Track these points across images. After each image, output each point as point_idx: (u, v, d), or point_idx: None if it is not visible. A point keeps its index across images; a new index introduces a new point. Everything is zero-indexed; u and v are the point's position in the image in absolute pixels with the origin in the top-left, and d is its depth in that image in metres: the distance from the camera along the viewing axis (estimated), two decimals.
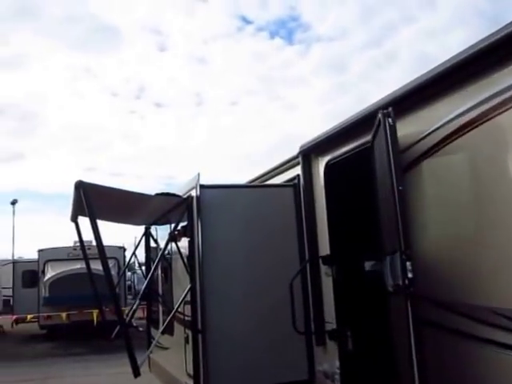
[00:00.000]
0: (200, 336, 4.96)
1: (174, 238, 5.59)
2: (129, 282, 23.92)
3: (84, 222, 4.96)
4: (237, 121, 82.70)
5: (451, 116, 3.29)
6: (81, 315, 16.05)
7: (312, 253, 5.12)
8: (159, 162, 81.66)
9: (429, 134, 3.47)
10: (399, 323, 3.38)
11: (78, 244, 5.65)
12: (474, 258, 3.16)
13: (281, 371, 5.15)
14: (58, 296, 16.70)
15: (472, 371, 3.13)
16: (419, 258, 3.33)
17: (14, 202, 42.42)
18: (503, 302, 2.90)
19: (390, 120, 3.36)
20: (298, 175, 5.47)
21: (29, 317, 17.33)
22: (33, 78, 68.67)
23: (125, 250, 18.75)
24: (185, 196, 5.42)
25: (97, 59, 72.52)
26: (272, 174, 6.27)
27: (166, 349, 6.81)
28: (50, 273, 17.37)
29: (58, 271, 17.20)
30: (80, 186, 4.48)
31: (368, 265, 4.89)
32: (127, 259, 17.69)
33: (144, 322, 8.42)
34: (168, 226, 6.43)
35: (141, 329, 9.59)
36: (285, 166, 5.96)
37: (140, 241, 7.87)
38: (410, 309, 3.09)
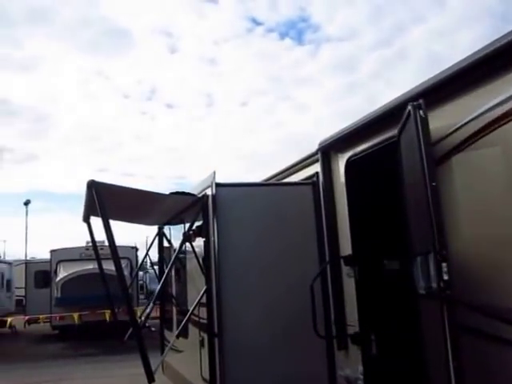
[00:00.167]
0: (216, 340, 4.79)
1: (188, 238, 5.42)
2: (141, 282, 23.91)
3: (96, 222, 4.86)
4: (247, 121, 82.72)
5: (487, 107, 3.07)
6: (93, 316, 16.01)
7: (333, 253, 4.91)
8: (170, 162, 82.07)
9: (462, 126, 3.25)
10: (433, 328, 3.17)
11: (90, 244, 5.54)
12: None
13: (300, 376, 4.95)
14: (70, 296, 16.66)
15: None
16: (453, 258, 3.12)
17: (26, 203, 42.83)
18: None
19: (421, 112, 3.15)
20: (317, 173, 5.27)
21: (41, 317, 17.27)
22: (46, 81, 69.43)
23: (137, 249, 18.74)
24: (200, 195, 5.26)
25: (109, 61, 73.24)
26: (289, 172, 6.06)
27: (180, 351, 6.65)
28: (63, 273, 17.33)
29: (71, 271, 17.15)
30: (92, 186, 4.36)
31: (392, 265, 4.70)
32: (139, 259, 17.86)
33: (156, 321, 8.28)
34: (182, 225, 6.28)
35: (153, 329, 9.47)
36: (302, 164, 5.74)
37: (153, 241, 7.75)
38: (446, 313, 2.88)
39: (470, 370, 2.96)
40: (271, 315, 4.98)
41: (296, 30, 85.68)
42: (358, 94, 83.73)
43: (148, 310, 5.79)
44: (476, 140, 3.17)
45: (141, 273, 24.74)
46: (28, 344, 17.36)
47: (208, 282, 4.98)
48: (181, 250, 5.69)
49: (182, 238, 5.52)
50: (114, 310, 6.24)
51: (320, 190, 5.17)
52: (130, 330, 5.42)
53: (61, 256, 17.96)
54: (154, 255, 8.71)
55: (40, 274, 19.70)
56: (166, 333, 7.64)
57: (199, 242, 5.47)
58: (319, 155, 5.15)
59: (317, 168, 5.29)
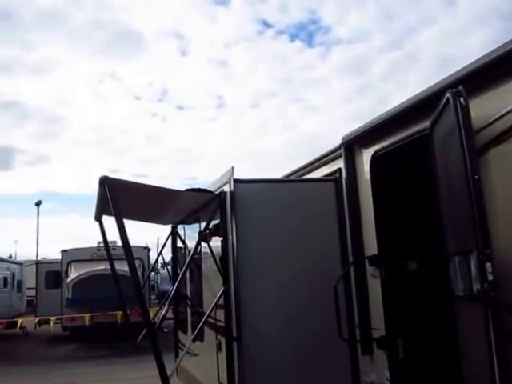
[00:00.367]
0: (235, 344, 4.57)
1: (205, 237, 5.20)
2: (152, 282, 23.80)
3: (108, 221, 4.66)
4: (257, 122, 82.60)
5: None
6: (104, 317, 15.86)
7: (357, 253, 4.68)
8: (181, 163, 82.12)
9: (504, 115, 3.01)
10: (473, 333, 2.93)
11: (102, 244, 5.35)
12: None
13: (323, 382, 4.72)
14: (82, 297, 16.49)
15: None
16: (495, 257, 2.87)
17: (38, 203, 42.94)
18: None
19: (461, 100, 2.91)
20: (339, 169, 5.04)
21: (52, 318, 17.12)
22: (59, 83, 69.76)
23: (149, 250, 18.61)
24: (217, 192, 5.04)
25: (120, 63, 73.44)
26: (309, 168, 5.83)
27: (196, 355, 6.44)
28: (74, 274, 17.17)
29: (82, 272, 16.97)
30: (105, 182, 4.16)
31: (420, 265, 4.46)
32: (152, 259, 17.72)
33: (169, 321, 8.06)
34: (196, 225, 6.08)
35: (166, 330, 9.26)
36: (323, 160, 5.51)
37: (166, 241, 7.57)
38: (490, 317, 2.64)
39: None
40: (292, 317, 4.75)
41: (306, 32, 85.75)
42: (368, 95, 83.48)
43: (163, 312, 5.59)
44: None
45: (152, 273, 24.61)
46: (39, 345, 17.23)
47: (226, 283, 4.77)
48: (196, 251, 5.48)
49: (197, 237, 5.32)
50: (126, 311, 6.06)
51: (343, 187, 4.93)
52: (143, 331, 5.24)
53: (72, 256, 17.83)
54: (166, 255, 8.54)
55: (51, 274, 19.56)
56: (180, 335, 7.44)
57: (216, 242, 5.26)
58: (342, 150, 4.92)
59: (338, 164, 5.07)
